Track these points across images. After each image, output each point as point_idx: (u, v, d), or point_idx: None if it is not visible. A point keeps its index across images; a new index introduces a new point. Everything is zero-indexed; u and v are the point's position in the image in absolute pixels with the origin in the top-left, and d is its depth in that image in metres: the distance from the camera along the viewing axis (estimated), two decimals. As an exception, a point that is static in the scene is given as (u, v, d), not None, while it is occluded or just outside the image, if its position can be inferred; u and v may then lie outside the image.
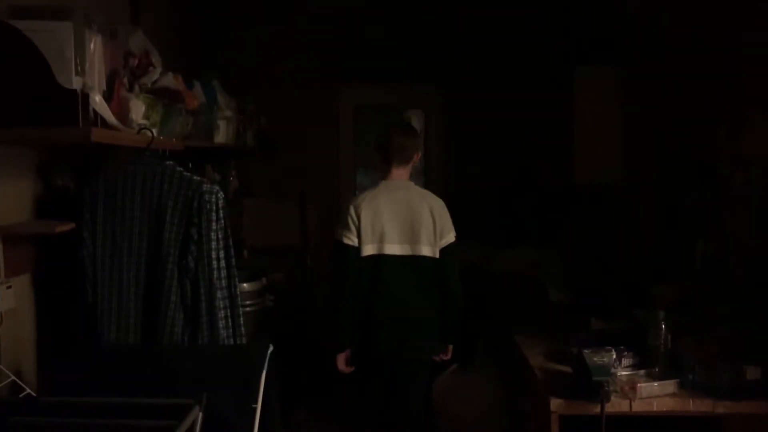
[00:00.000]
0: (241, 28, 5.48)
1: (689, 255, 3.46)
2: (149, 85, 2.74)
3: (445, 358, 3.55)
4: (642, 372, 2.67)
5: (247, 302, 3.70)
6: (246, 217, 5.51)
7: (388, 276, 3.30)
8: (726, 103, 3.20)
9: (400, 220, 3.31)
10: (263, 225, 5.52)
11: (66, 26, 2.21)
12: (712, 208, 3.31)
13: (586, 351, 2.57)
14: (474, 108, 5.60)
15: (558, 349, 3.03)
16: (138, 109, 2.59)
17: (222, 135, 4.06)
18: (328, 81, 5.63)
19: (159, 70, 2.81)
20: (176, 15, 4.69)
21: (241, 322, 2.76)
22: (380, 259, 3.29)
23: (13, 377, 2.37)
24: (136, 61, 2.71)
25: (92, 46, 2.31)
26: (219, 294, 2.68)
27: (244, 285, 3.72)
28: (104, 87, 2.43)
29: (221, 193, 2.73)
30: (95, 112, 2.27)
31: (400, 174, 3.43)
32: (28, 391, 2.38)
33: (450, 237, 3.37)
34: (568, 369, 2.78)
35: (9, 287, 2.45)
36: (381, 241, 3.29)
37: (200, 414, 1.98)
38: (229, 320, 2.72)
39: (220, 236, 2.70)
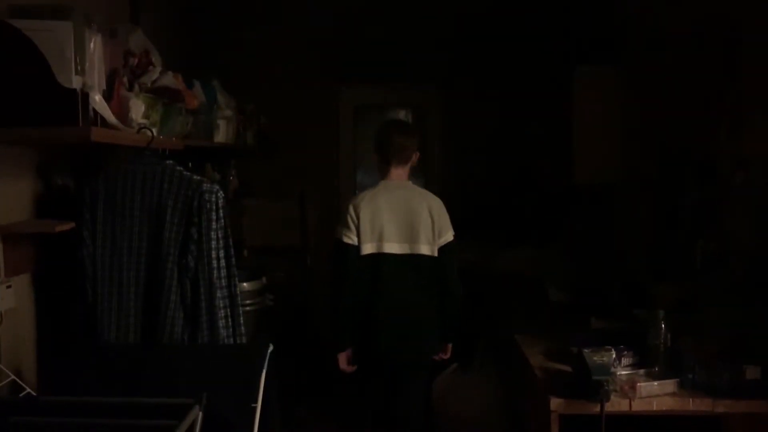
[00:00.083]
0: (241, 28, 5.48)
1: (689, 255, 3.46)
2: (149, 85, 2.74)
3: (444, 357, 3.56)
4: (642, 371, 2.67)
5: (247, 302, 3.70)
6: (246, 216, 5.50)
7: (388, 275, 3.31)
8: (726, 103, 3.20)
9: (399, 219, 3.33)
10: (263, 224, 5.52)
11: (66, 26, 2.21)
12: (712, 208, 3.31)
13: (586, 350, 2.57)
14: (474, 108, 5.60)
15: (558, 349, 3.04)
16: (138, 109, 2.59)
17: (222, 134, 4.06)
18: (328, 81, 5.63)
19: (159, 69, 2.81)
20: (176, 14, 4.69)
21: (241, 321, 2.77)
22: (379, 257, 3.31)
23: (13, 377, 2.37)
24: (136, 61, 2.71)
25: (92, 45, 2.32)
26: (219, 293, 2.68)
27: (244, 284, 3.72)
28: (104, 86, 2.43)
29: (221, 192, 2.73)
30: (95, 112, 2.27)
31: (399, 174, 3.45)
32: (28, 390, 2.38)
33: (448, 236, 3.39)
34: (568, 368, 2.78)
35: (9, 287, 2.45)
36: (380, 240, 3.31)
37: (200, 413, 1.98)
38: (229, 320, 2.72)
39: (220, 236, 2.71)
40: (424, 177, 5.78)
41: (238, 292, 2.76)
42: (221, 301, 2.68)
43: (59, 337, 2.74)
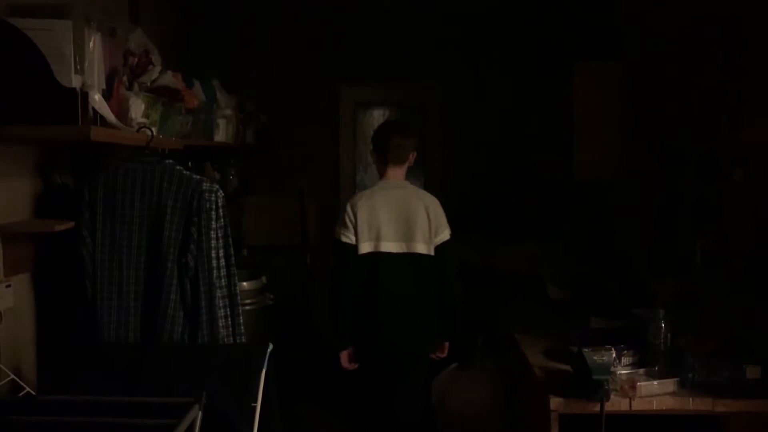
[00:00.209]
0: (241, 27, 5.48)
1: (689, 252, 3.46)
2: (149, 84, 2.74)
3: (441, 355, 3.58)
4: (642, 370, 2.67)
5: (247, 301, 3.71)
6: (246, 215, 5.51)
7: (385, 273, 3.36)
8: (726, 100, 3.20)
9: (396, 218, 3.37)
10: (263, 223, 5.53)
11: (65, 24, 2.20)
12: (712, 205, 3.31)
13: (585, 350, 2.56)
14: (474, 105, 5.61)
15: (558, 348, 3.04)
16: (137, 108, 2.59)
17: (221, 134, 4.05)
18: (328, 79, 5.63)
19: (158, 68, 2.81)
20: (176, 14, 4.68)
21: (241, 320, 2.77)
22: (377, 256, 3.36)
23: (12, 376, 2.37)
24: (136, 60, 2.71)
25: (92, 44, 2.31)
26: (219, 293, 2.68)
27: (244, 284, 3.73)
28: (104, 85, 2.43)
29: (221, 191, 2.73)
30: (94, 111, 2.27)
31: (397, 173, 3.49)
32: (28, 389, 2.38)
33: (445, 235, 3.43)
34: (567, 367, 2.78)
35: (8, 286, 2.45)
36: (377, 239, 3.36)
37: (200, 413, 1.98)
38: (229, 319, 2.72)
39: (219, 235, 2.71)
40: (424, 174, 5.79)
41: (238, 291, 2.76)
42: (221, 301, 2.68)
43: (59, 337, 2.74)
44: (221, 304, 2.68)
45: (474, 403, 3.91)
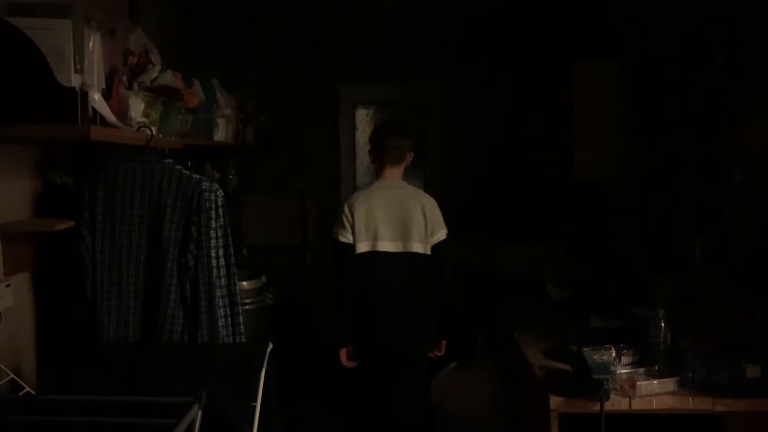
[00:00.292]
0: (241, 26, 5.48)
1: (689, 252, 3.46)
2: (148, 83, 2.74)
3: (438, 354, 3.60)
4: (641, 370, 2.67)
5: (247, 300, 3.71)
6: (246, 215, 5.51)
7: (382, 272, 3.40)
8: (726, 100, 3.20)
9: (393, 218, 3.41)
10: (263, 223, 5.53)
11: (65, 24, 2.20)
12: (712, 204, 3.31)
13: (585, 349, 2.56)
14: (474, 105, 5.60)
15: (557, 347, 3.04)
16: (137, 107, 2.58)
17: (221, 133, 4.06)
18: (328, 79, 5.63)
19: (158, 68, 2.81)
20: (176, 13, 4.68)
21: (241, 320, 2.77)
22: (374, 256, 3.40)
23: (12, 375, 2.37)
24: (136, 59, 2.71)
25: (91, 43, 2.31)
26: (218, 292, 2.68)
27: (244, 283, 3.73)
28: (103, 85, 2.43)
29: (221, 191, 2.73)
30: (94, 110, 2.27)
31: (393, 174, 3.54)
32: (27, 389, 2.38)
33: (441, 234, 3.47)
34: (567, 367, 2.78)
35: (8, 285, 2.45)
36: (374, 238, 3.40)
37: (199, 412, 1.98)
38: (229, 318, 2.72)
39: (219, 234, 2.71)
40: (424, 174, 5.79)
41: (238, 291, 2.76)
42: (221, 300, 2.68)
43: (58, 336, 2.74)
44: (221, 304, 2.68)
45: (474, 403, 3.91)
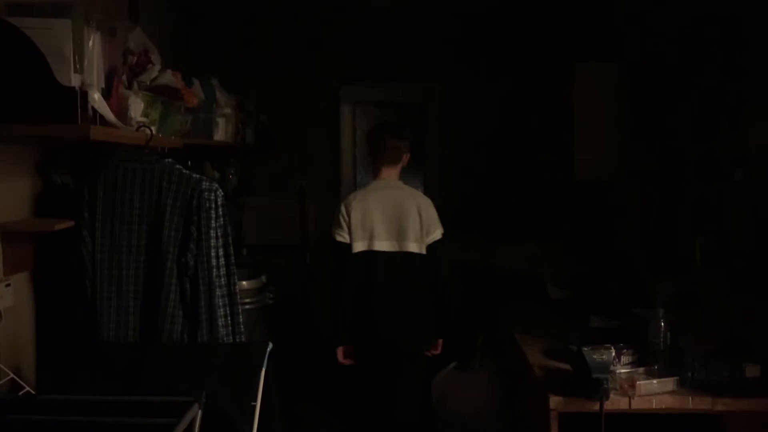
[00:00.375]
0: (241, 25, 5.48)
1: (689, 252, 3.46)
2: (148, 83, 2.74)
3: (435, 352, 3.63)
4: (641, 369, 2.67)
5: (247, 300, 3.71)
6: (245, 215, 5.51)
7: (379, 271, 3.45)
8: (726, 100, 3.20)
9: (389, 217, 3.46)
10: (263, 223, 5.53)
11: (65, 23, 2.20)
12: (712, 204, 3.31)
13: (585, 348, 2.56)
14: (474, 104, 5.60)
15: (557, 347, 3.04)
16: (137, 107, 2.59)
17: (221, 133, 4.06)
18: (328, 79, 5.63)
19: (158, 67, 2.81)
20: (175, 13, 4.68)
21: (241, 320, 2.77)
22: (371, 255, 3.45)
23: (12, 375, 2.37)
24: (135, 59, 2.71)
25: (91, 43, 2.31)
26: (218, 292, 2.68)
27: (243, 283, 3.73)
28: (103, 84, 2.43)
29: (220, 190, 2.73)
30: (94, 110, 2.27)
31: (390, 174, 3.59)
32: (27, 389, 2.39)
33: (436, 234, 3.51)
34: (567, 367, 2.78)
35: (8, 285, 2.45)
36: (371, 238, 3.46)
37: (199, 412, 1.98)
38: (229, 318, 2.72)
39: (219, 234, 2.71)
40: (424, 174, 5.80)
41: (238, 290, 2.76)
42: (220, 300, 2.68)
43: (58, 336, 2.74)
44: (221, 304, 2.68)
45: (474, 403, 3.91)
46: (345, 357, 3.52)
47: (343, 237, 3.46)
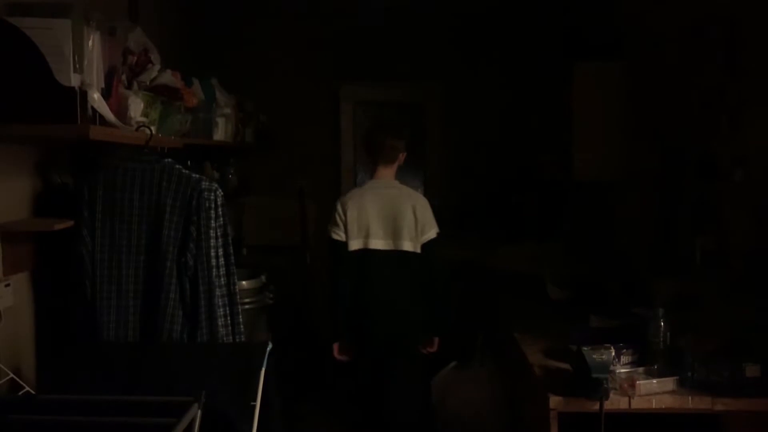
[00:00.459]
0: (241, 27, 5.48)
1: (689, 252, 3.46)
2: (148, 83, 2.74)
3: (431, 350, 3.66)
4: (641, 369, 2.66)
5: (246, 300, 3.71)
6: (245, 215, 5.51)
7: (374, 269, 3.50)
8: (726, 100, 3.20)
9: (384, 216, 3.50)
10: (263, 223, 5.53)
11: (64, 23, 2.21)
12: (712, 204, 3.31)
13: (585, 348, 2.56)
14: (474, 104, 5.60)
15: (557, 347, 3.03)
16: (136, 107, 2.59)
17: (221, 133, 4.06)
18: (328, 79, 5.63)
19: (157, 67, 2.81)
20: (175, 13, 4.68)
21: (240, 320, 2.77)
22: (366, 253, 3.50)
23: (11, 375, 2.37)
24: (135, 59, 2.71)
25: (91, 43, 2.32)
26: (218, 292, 2.68)
27: (243, 283, 3.73)
28: (103, 84, 2.43)
29: (220, 190, 2.73)
30: (93, 110, 2.27)
31: (386, 173, 3.63)
32: (27, 389, 2.39)
33: (431, 233, 3.55)
34: (567, 366, 2.77)
35: (7, 285, 2.45)
36: (366, 236, 3.51)
37: (199, 412, 1.98)
38: (228, 318, 2.72)
39: (219, 234, 2.71)
40: (424, 174, 5.80)
41: (237, 290, 2.76)
42: (220, 300, 2.68)
43: (58, 336, 2.74)
44: (220, 303, 2.68)
45: (474, 403, 3.91)
46: (340, 353, 3.58)
47: (339, 235, 3.51)
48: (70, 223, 2.59)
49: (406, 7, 5.42)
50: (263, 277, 4.10)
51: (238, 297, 2.77)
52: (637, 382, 2.52)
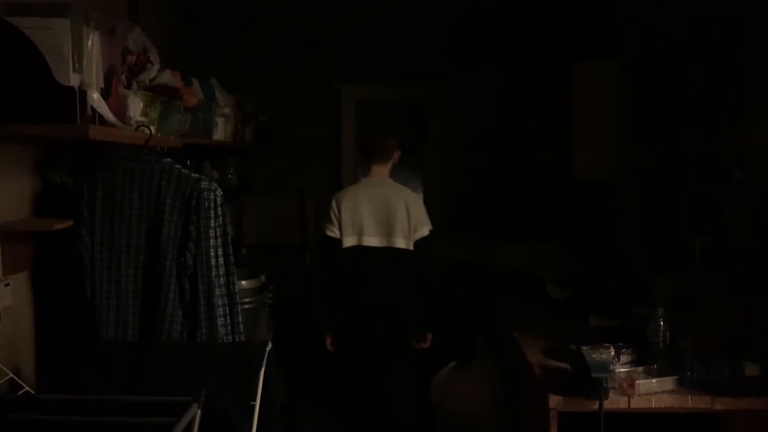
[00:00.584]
0: (241, 27, 5.48)
1: (689, 251, 3.46)
2: (147, 83, 2.74)
3: (424, 345, 3.71)
4: (641, 369, 2.66)
5: (246, 300, 3.71)
6: (245, 215, 5.51)
7: (367, 266, 3.56)
8: (726, 100, 3.20)
9: (378, 214, 3.56)
10: (262, 223, 5.53)
11: (64, 23, 2.20)
12: (712, 204, 3.31)
13: (584, 348, 2.56)
14: (474, 104, 5.60)
15: (557, 347, 3.03)
16: (136, 106, 2.58)
17: (220, 132, 4.06)
18: (328, 79, 5.63)
19: (157, 67, 2.80)
20: (175, 13, 4.68)
21: (240, 319, 2.77)
22: (360, 250, 3.56)
23: (11, 375, 2.37)
24: (134, 58, 2.71)
25: (90, 43, 2.31)
26: (217, 291, 2.68)
27: (243, 283, 3.73)
28: (102, 84, 2.42)
29: (219, 190, 2.73)
30: (93, 109, 2.27)
31: (380, 171, 3.69)
32: (27, 388, 2.39)
33: (424, 231, 3.60)
34: (567, 366, 2.77)
35: (7, 285, 2.45)
36: (360, 233, 3.56)
37: (198, 411, 1.98)
38: (228, 318, 2.72)
39: (218, 234, 2.71)
40: (424, 174, 5.80)
41: (237, 290, 2.76)
42: (220, 299, 2.69)
43: (57, 335, 2.74)
44: (220, 303, 2.68)
45: (474, 403, 3.90)
46: (332, 345, 3.67)
47: (333, 232, 3.57)
48: (69, 223, 2.59)
49: (406, 7, 5.42)
50: (263, 277, 4.10)
51: (238, 297, 2.77)
52: (637, 381, 2.52)
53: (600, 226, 4.88)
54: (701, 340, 2.70)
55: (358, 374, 3.73)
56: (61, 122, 2.19)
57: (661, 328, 2.70)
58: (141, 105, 2.62)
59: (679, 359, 2.64)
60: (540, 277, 4.23)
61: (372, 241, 3.55)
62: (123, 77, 2.60)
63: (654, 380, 2.56)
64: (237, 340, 2.75)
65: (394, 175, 3.79)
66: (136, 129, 2.59)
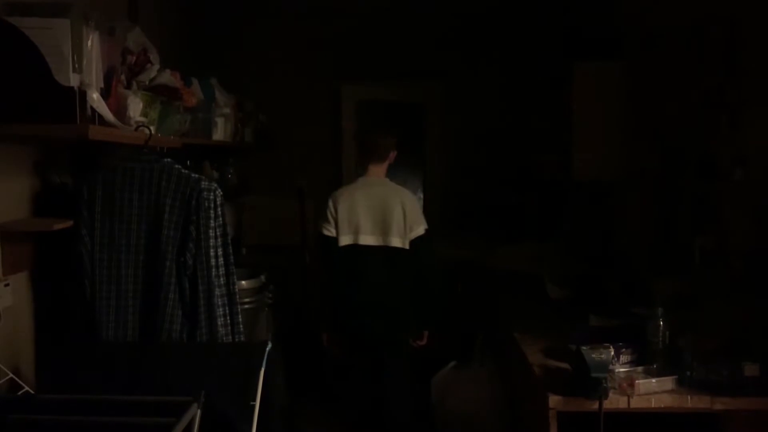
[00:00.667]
0: (241, 27, 5.48)
1: (688, 251, 3.46)
2: (147, 83, 2.74)
3: (420, 343, 3.73)
4: (640, 368, 2.66)
5: (246, 300, 3.71)
6: (245, 214, 5.50)
7: (363, 265, 3.59)
8: (726, 100, 3.19)
9: (374, 213, 3.59)
10: (262, 223, 5.53)
11: (64, 23, 2.20)
12: (712, 204, 3.31)
13: (584, 348, 2.56)
14: (475, 103, 5.60)
15: (557, 346, 3.03)
16: (136, 107, 2.58)
17: (220, 132, 4.06)
18: (328, 79, 5.63)
19: (157, 67, 2.80)
20: (175, 13, 4.68)
21: (240, 319, 2.77)
22: (356, 249, 3.59)
23: (11, 375, 2.37)
24: (134, 58, 2.71)
25: (90, 43, 2.31)
26: (217, 291, 2.68)
27: (243, 282, 3.73)
28: (102, 84, 2.43)
29: (219, 190, 2.73)
30: (93, 109, 2.27)
31: (377, 171, 3.71)
32: (27, 388, 2.39)
33: (419, 230, 3.62)
34: (566, 366, 2.78)
35: (7, 285, 2.45)
36: (356, 232, 3.59)
37: (198, 411, 1.98)
38: (228, 318, 2.72)
39: (218, 234, 2.71)
40: (424, 174, 5.79)
41: (237, 290, 2.76)
42: (220, 299, 2.69)
43: (57, 335, 2.74)
44: (220, 303, 2.68)
45: (473, 403, 3.90)
46: (329, 343, 3.69)
47: (329, 231, 3.60)
48: (69, 223, 2.59)
49: (406, 7, 5.42)
50: (263, 277, 4.10)
51: (238, 297, 2.77)
52: (636, 381, 2.52)
53: (600, 226, 4.88)
54: (701, 340, 2.70)
55: (357, 374, 3.74)
56: (61, 122, 2.19)
57: (661, 328, 2.70)
58: (141, 105, 2.62)
59: (678, 359, 2.64)
60: (540, 277, 4.23)
61: (368, 240, 3.57)
62: (123, 77, 2.60)
63: (654, 380, 2.56)
64: (237, 340, 2.75)
65: (395, 174, 3.81)
66: (136, 129, 2.59)
